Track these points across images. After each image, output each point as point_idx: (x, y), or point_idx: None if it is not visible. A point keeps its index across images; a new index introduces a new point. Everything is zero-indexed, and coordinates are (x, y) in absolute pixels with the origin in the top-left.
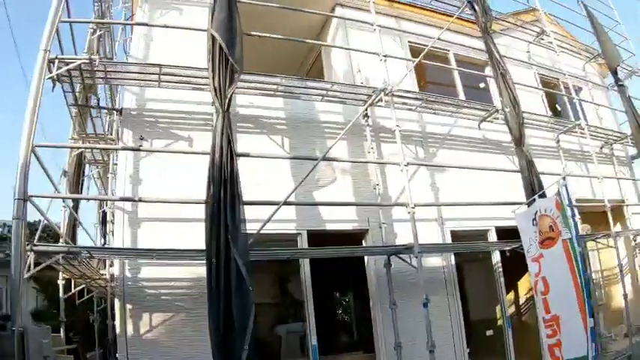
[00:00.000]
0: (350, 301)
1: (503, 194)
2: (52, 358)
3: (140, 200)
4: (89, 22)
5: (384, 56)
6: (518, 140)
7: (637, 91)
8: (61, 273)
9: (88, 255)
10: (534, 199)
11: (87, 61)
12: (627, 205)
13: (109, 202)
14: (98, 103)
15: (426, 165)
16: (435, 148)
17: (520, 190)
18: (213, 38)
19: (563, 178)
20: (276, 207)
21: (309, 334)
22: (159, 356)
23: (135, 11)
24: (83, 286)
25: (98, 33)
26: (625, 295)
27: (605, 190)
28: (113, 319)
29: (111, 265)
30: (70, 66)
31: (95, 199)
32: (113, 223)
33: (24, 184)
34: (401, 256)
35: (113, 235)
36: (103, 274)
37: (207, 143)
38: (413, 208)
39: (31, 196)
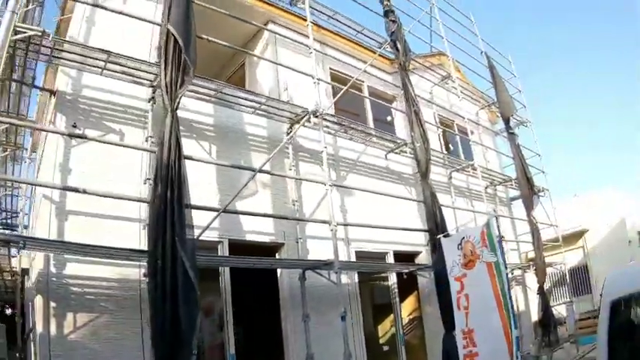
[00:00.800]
0: (263, 313)
1: (402, 221)
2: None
3: (85, 192)
4: None
5: (318, 79)
6: (424, 174)
7: (523, 139)
8: None
9: (21, 245)
10: (444, 233)
11: (39, 33)
12: (506, 242)
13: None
14: (33, 81)
15: (345, 187)
16: (345, 171)
17: (415, 219)
18: (168, 34)
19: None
20: (215, 213)
21: (227, 344)
22: (81, 358)
23: None
24: None
25: (32, 6)
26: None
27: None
28: (23, 315)
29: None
30: (20, 36)
31: (38, 185)
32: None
33: None
34: (318, 271)
35: (28, 226)
36: (13, 267)
37: (138, 139)
38: (335, 226)
39: None
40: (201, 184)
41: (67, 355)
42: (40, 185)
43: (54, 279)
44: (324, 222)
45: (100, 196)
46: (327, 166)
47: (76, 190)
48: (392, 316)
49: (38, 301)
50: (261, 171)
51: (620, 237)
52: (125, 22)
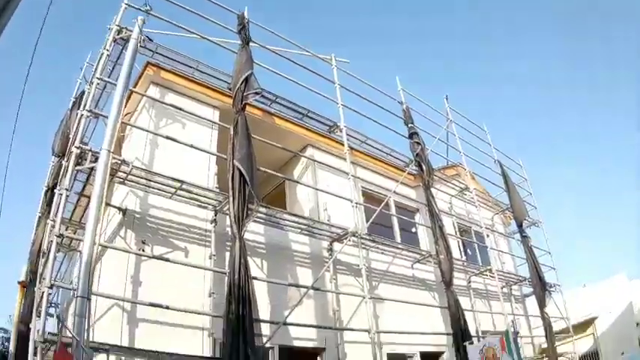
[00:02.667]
0: None
1: (427, 323)
2: None
3: (167, 307)
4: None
5: (356, 203)
6: (448, 282)
7: (534, 238)
8: None
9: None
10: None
11: (119, 161)
12: (521, 337)
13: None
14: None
15: (379, 298)
16: (377, 281)
17: (438, 320)
18: (234, 170)
19: (512, 322)
20: (270, 325)
21: None
22: None
23: (130, 108)
24: None
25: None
26: None
27: (503, 323)
28: None
29: None
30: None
31: (127, 301)
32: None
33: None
34: None
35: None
36: None
37: (201, 255)
38: (374, 334)
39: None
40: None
41: None
42: (130, 301)
43: None
44: (363, 330)
45: (180, 311)
46: (365, 278)
47: (159, 306)
48: None
49: None
50: (311, 288)
51: (628, 321)
52: (185, 148)
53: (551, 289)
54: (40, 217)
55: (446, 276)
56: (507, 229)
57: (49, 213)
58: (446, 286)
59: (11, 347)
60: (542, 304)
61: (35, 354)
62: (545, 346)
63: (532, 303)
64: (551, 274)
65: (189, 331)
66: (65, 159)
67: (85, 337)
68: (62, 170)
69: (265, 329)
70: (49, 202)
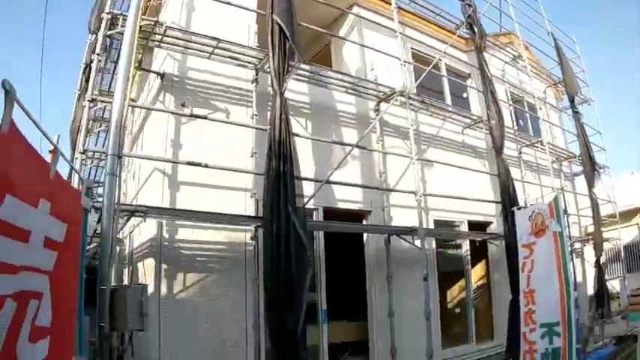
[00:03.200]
0: (350, 275)
1: (476, 193)
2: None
3: (207, 166)
4: None
5: (405, 62)
6: (499, 149)
7: (586, 117)
8: None
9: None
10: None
11: (152, 22)
12: (569, 215)
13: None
14: (140, 64)
15: (427, 160)
16: (426, 145)
17: (487, 191)
18: (273, 24)
19: (561, 189)
20: (314, 184)
21: (319, 302)
22: (188, 312)
23: None
24: None
25: None
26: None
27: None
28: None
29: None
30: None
31: (163, 160)
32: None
33: (118, 141)
34: (403, 236)
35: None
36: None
37: (242, 117)
38: (421, 196)
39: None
40: (300, 158)
41: (175, 311)
42: (166, 161)
43: (166, 244)
44: (410, 192)
45: (220, 169)
46: (413, 140)
47: (198, 165)
48: (463, 281)
49: (149, 263)
50: (356, 146)
51: None
52: (224, 11)
53: (600, 170)
54: (79, 94)
55: (497, 142)
56: (559, 105)
57: (86, 90)
58: (496, 153)
59: None
60: (590, 184)
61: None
62: (591, 229)
63: (580, 184)
64: (600, 154)
65: (231, 192)
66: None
67: (117, 195)
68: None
69: (309, 189)
70: (87, 79)
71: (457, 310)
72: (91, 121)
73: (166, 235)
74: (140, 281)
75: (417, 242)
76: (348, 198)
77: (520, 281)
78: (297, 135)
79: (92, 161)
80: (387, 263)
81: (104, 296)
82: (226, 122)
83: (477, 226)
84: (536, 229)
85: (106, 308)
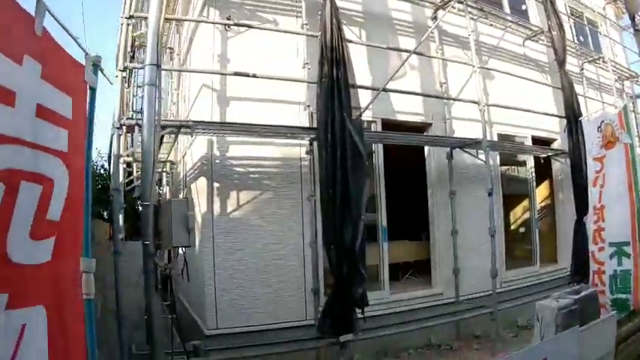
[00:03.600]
0: (411, 193)
1: (538, 108)
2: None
3: (254, 76)
4: None
5: None
6: (561, 62)
7: None
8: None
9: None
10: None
11: None
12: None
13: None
14: None
15: (489, 69)
16: (486, 56)
17: (550, 106)
18: None
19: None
20: (371, 92)
21: (379, 219)
22: (242, 232)
23: None
24: None
25: None
26: None
27: None
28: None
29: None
30: None
31: (208, 72)
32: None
33: (157, 51)
34: (466, 149)
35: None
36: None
37: (291, 27)
38: (484, 106)
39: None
40: (355, 68)
41: (230, 232)
42: (212, 72)
43: (218, 161)
44: (472, 102)
45: (269, 79)
46: (474, 49)
47: (246, 75)
48: (526, 202)
49: (201, 183)
50: (414, 52)
51: None
52: None
53: None
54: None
55: (559, 54)
56: (620, 23)
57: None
58: (559, 65)
59: None
60: None
61: None
62: None
63: None
64: None
65: (283, 106)
66: None
67: (157, 107)
68: None
69: (366, 100)
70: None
71: (521, 231)
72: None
73: (217, 153)
74: (194, 203)
75: (481, 156)
76: (408, 110)
77: (590, 196)
78: (351, 41)
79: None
80: (449, 178)
81: (147, 212)
82: (274, 30)
83: (540, 143)
84: (605, 141)
85: (150, 224)
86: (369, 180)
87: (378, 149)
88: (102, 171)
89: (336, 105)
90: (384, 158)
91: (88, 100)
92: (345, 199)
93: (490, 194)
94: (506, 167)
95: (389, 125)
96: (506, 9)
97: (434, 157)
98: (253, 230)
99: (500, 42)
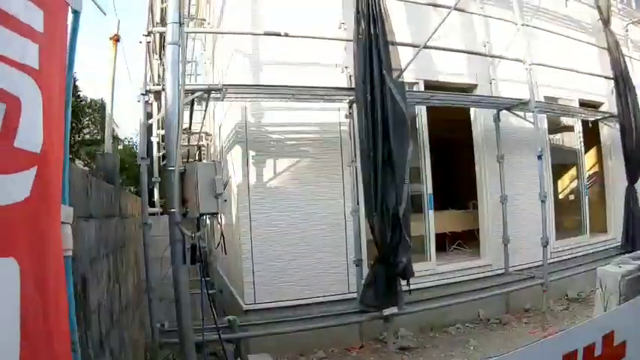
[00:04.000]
0: (457, 158)
1: (585, 69)
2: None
3: (286, 35)
4: None
5: None
6: (606, 20)
7: None
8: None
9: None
10: None
11: None
12: None
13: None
14: None
15: (535, 27)
16: (528, 17)
17: (596, 69)
18: None
19: None
20: (412, 49)
21: (424, 186)
22: (281, 202)
23: None
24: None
25: None
26: None
27: None
28: None
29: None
30: None
31: (240, 34)
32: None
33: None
34: (515, 111)
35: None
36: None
37: None
38: (530, 65)
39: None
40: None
41: (267, 202)
42: (242, 33)
43: (252, 129)
44: (517, 60)
45: (303, 37)
46: (517, 4)
47: (277, 34)
48: (574, 170)
49: (236, 152)
50: (455, 8)
51: None
52: None
53: None
54: None
55: (603, 12)
56: None
57: None
58: (604, 24)
59: None
60: None
61: None
62: None
63: None
64: None
65: (320, 69)
66: None
67: (181, 68)
68: None
69: (406, 59)
70: None
71: (570, 199)
72: None
73: (252, 120)
74: (229, 174)
75: (530, 118)
76: (452, 71)
77: None
78: None
79: None
80: (497, 142)
81: (172, 178)
82: None
83: (587, 107)
84: None
85: (176, 191)
86: (412, 143)
87: (422, 112)
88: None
89: (375, 63)
90: (429, 122)
91: (70, 25)
92: (388, 163)
93: (540, 157)
94: (553, 133)
95: (432, 87)
96: None
97: (480, 120)
98: (291, 199)
99: (542, 1)
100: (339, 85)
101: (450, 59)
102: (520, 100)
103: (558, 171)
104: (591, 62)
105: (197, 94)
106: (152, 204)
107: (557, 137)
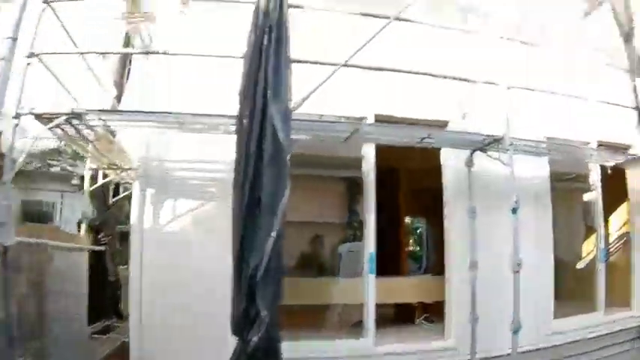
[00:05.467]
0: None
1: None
2: None
3: (165, 53)
4: None
5: None
6: (628, 35)
7: None
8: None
9: (96, 120)
10: None
11: None
12: None
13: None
14: None
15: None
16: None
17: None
18: None
19: None
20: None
21: (365, 243)
22: (178, 252)
23: None
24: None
25: None
26: None
27: None
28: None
29: None
30: None
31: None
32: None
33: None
34: (489, 153)
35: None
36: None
37: None
38: (508, 89)
39: None
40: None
41: (163, 248)
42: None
43: (154, 163)
44: (489, 83)
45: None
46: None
47: (155, 53)
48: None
49: (135, 188)
50: (402, 20)
51: None
52: None
53: None
54: None
55: (623, 25)
56: None
57: None
58: (625, 40)
59: None
60: None
61: None
62: None
63: None
64: None
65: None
66: None
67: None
68: None
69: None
70: None
71: (579, 266)
72: None
73: (154, 154)
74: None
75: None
76: (414, 102)
77: None
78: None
79: None
80: (469, 191)
81: None
82: None
83: (611, 149)
84: None
85: None
86: (289, 184)
87: (369, 152)
88: None
89: (260, 84)
90: (383, 167)
91: None
92: (255, 209)
93: (514, 211)
94: (562, 181)
95: (388, 122)
96: None
97: (451, 164)
98: (188, 248)
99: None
100: None
101: (415, 89)
102: (492, 137)
103: (567, 229)
104: (612, 91)
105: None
106: None
107: (568, 186)
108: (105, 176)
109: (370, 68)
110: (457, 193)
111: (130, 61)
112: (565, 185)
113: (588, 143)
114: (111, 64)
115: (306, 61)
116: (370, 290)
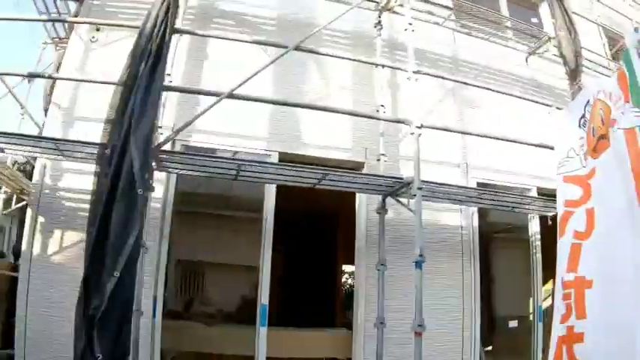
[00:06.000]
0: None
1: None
2: None
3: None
4: None
5: None
6: (574, 72)
7: None
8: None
9: None
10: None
11: None
12: None
13: None
14: None
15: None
16: (470, 78)
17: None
18: None
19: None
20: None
21: (259, 293)
22: (61, 283)
23: None
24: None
25: None
26: None
27: None
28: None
29: None
30: None
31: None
32: None
33: None
34: (399, 198)
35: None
36: None
37: None
38: (419, 127)
39: None
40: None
41: (47, 277)
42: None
43: (47, 191)
44: (400, 122)
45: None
46: (412, 48)
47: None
48: (527, 279)
49: (28, 214)
50: (303, 50)
51: None
52: None
53: None
54: None
55: (569, 62)
56: None
57: None
58: (570, 78)
59: None
60: None
61: None
62: None
63: None
64: None
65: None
66: None
67: None
68: None
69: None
70: None
71: (512, 324)
72: None
73: (49, 182)
74: None
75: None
76: (329, 144)
77: (558, 260)
78: (180, 31)
79: None
80: (379, 241)
81: None
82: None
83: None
84: (593, 141)
85: None
86: (139, 226)
87: (269, 193)
88: None
89: (127, 112)
90: (323, 212)
91: None
92: (102, 246)
93: (418, 265)
94: (498, 233)
95: (294, 162)
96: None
97: (364, 211)
98: (71, 280)
99: (491, 60)
100: None
101: (330, 128)
102: (401, 181)
103: (507, 281)
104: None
105: None
106: None
107: (503, 235)
108: (19, 200)
109: (263, 101)
110: (369, 243)
111: None
112: (507, 236)
113: (529, 190)
114: None
115: (183, 90)
116: (261, 344)
